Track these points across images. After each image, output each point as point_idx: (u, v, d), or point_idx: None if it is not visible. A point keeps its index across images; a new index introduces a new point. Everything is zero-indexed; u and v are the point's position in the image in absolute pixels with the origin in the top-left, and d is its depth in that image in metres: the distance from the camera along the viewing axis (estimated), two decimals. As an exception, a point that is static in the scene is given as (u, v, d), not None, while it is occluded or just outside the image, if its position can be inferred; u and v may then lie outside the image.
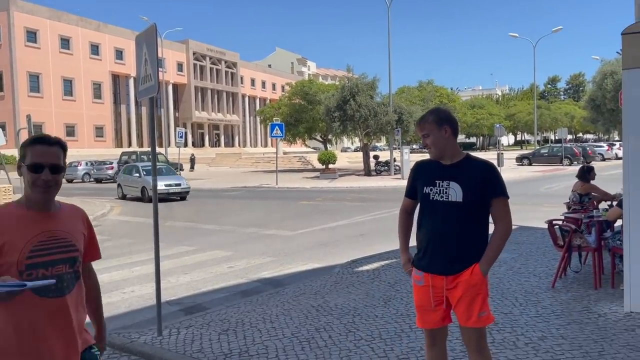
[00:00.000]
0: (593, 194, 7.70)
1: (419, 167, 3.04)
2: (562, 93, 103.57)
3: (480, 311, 2.82)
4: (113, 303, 6.21)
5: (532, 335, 4.46)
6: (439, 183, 2.83)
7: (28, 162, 2.04)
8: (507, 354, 4.06)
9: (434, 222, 2.85)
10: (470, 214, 2.79)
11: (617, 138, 60.62)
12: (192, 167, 43.39)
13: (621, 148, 6.93)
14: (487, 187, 2.80)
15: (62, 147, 2.12)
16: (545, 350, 4.12)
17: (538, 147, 46.45)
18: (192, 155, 47.10)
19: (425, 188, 2.87)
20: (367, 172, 30.75)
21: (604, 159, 38.66)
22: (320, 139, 44.35)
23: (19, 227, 2.00)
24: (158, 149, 32.22)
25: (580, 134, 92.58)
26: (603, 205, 7.61)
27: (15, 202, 2.12)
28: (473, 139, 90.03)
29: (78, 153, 47.37)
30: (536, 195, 17.28)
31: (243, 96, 76.80)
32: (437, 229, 2.83)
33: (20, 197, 2.15)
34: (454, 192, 2.78)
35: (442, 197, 2.81)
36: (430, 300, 2.88)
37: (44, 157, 2.04)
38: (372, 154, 33.02)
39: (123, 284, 7.17)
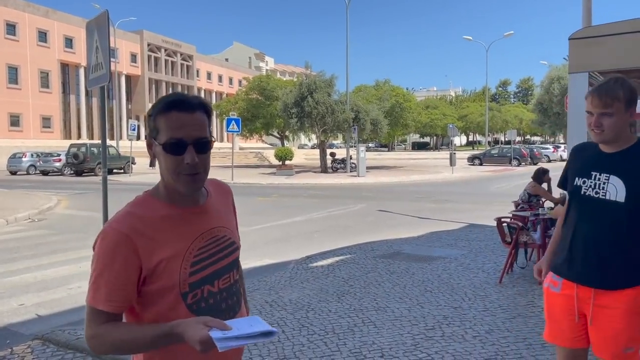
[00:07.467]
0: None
1: (575, 152, 2.41)
2: (512, 96, 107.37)
3: (627, 346, 2.18)
4: (58, 299, 5.98)
5: (480, 328, 4.60)
6: (595, 175, 2.21)
7: (163, 139, 1.38)
8: (455, 347, 4.17)
9: (581, 222, 2.26)
10: (631, 219, 2.15)
11: (562, 140, 63.31)
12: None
13: (566, 150, 7.21)
14: None
15: (206, 111, 1.44)
16: (492, 342, 4.27)
17: (489, 148, 47.90)
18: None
19: (577, 179, 2.27)
20: (324, 169, 30.91)
21: (549, 160, 40.26)
22: (277, 135, 44.20)
23: (170, 234, 1.42)
24: (109, 142, 31.45)
25: (529, 136, 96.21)
26: (549, 204, 7.93)
27: (150, 194, 1.48)
28: (427, 139, 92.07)
29: (23, 144, 45.43)
30: (486, 194, 17.82)
31: (199, 90, 75.45)
32: (585, 232, 2.24)
33: (155, 185, 1.51)
34: (614, 189, 2.14)
35: (597, 193, 2.19)
36: (563, 311, 2.34)
37: (185, 130, 1.37)
38: (328, 151, 33.21)
39: (70, 279, 6.91)
